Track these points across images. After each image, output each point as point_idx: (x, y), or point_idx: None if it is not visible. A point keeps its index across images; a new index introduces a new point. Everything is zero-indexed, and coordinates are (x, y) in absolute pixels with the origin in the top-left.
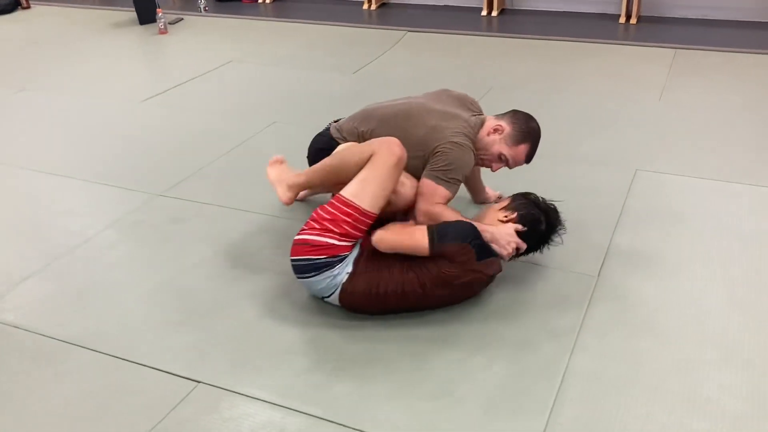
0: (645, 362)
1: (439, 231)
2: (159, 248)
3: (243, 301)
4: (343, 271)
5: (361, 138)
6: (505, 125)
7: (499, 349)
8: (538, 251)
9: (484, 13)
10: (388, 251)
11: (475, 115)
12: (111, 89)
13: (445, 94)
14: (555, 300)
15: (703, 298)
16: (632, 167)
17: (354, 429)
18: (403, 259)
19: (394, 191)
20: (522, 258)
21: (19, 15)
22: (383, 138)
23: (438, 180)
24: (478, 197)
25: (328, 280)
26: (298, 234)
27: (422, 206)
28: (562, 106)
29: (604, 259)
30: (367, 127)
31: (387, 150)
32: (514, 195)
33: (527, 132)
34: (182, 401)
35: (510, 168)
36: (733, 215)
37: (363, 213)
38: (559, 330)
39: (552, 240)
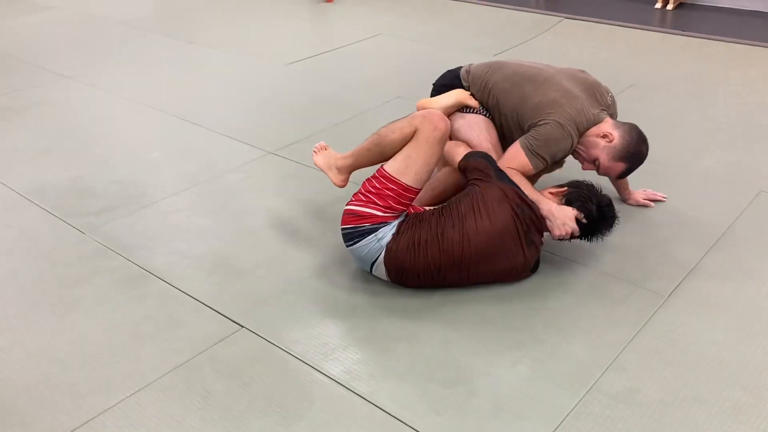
0: (683, 397)
1: (471, 152)
2: (252, 201)
3: (305, 261)
4: (389, 233)
5: (484, 84)
6: (616, 137)
7: (531, 350)
8: (585, 237)
9: (658, 5)
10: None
11: (598, 109)
12: (264, 50)
13: (580, 76)
14: (611, 313)
15: None
16: (756, 187)
17: (361, 397)
18: (440, 208)
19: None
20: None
21: None
22: (425, 112)
23: (526, 148)
24: (620, 194)
25: (374, 243)
26: (347, 204)
27: (500, 165)
28: (703, 113)
29: (683, 280)
30: (492, 77)
31: (430, 125)
32: (569, 181)
33: (633, 154)
34: (222, 341)
35: (598, 174)
36: None
37: (406, 189)
38: (602, 343)
39: (602, 229)
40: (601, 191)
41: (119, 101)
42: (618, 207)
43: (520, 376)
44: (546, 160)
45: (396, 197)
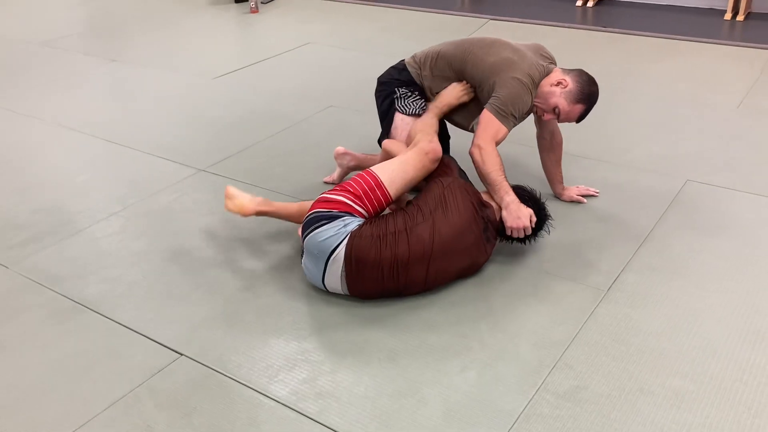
0: (628, 390)
1: None
2: (185, 221)
3: (243, 281)
4: (354, 222)
5: (434, 58)
6: (570, 81)
7: (479, 354)
8: (527, 241)
9: (579, 3)
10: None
11: (546, 62)
12: (191, 65)
13: (519, 42)
14: (554, 311)
15: (714, 331)
16: (683, 176)
17: (310, 418)
18: (404, 207)
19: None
20: (511, 244)
21: None
22: (433, 140)
23: (496, 112)
24: (554, 188)
25: (339, 227)
26: (323, 193)
27: (479, 139)
28: (628, 107)
29: (620, 273)
30: (441, 49)
31: (421, 149)
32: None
33: (588, 94)
34: (161, 371)
35: (558, 122)
36: None
37: (378, 184)
38: (547, 343)
39: (537, 230)
40: (540, 196)
41: (40, 125)
42: (553, 205)
43: (469, 382)
44: (516, 117)
45: (367, 189)
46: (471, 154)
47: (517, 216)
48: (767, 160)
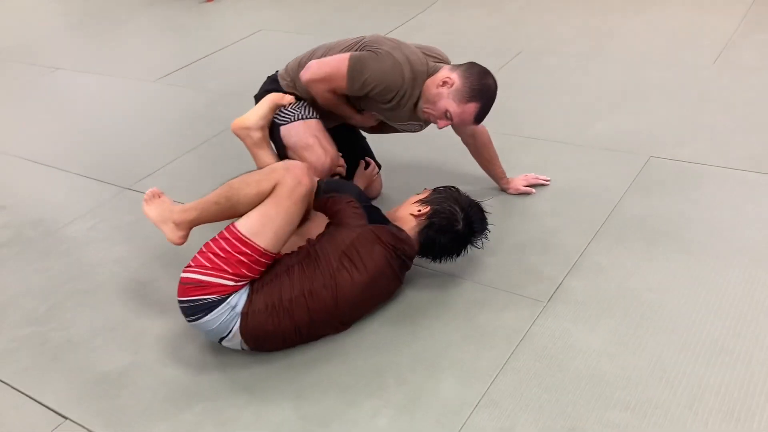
0: (561, 428)
1: (327, 184)
2: (98, 252)
3: (152, 322)
4: (242, 298)
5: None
6: (456, 79)
7: (394, 394)
8: (455, 256)
9: None
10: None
11: (433, 61)
12: (135, 66)
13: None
14: (483, 333)
15: (665, 346)
16: (647, 153)
17: None
18: (302, 257)
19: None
20: (439, 263)
21: None
22: (288, 164)
23: (354, 60)
24: (498, 184)
25: (227, 312)
26: (185, 271)
27: (314, 72)
28: (595, 74)
29: (565, 278)
30: (312, 56)
31: (293, 180)
32: (436, 187)
33: (479, 90)
34: None
35: (455, 126)
36: (757, 223)
37: (262, 254)
38: (473, 375)
39: (472, 243)
40: (467, 197)
41: None
42: (496, 200)
43: (381, 429)
44: (362, 85)
45: (249, 263)
46: (300, 76)
47: None
48: (741, 125)
